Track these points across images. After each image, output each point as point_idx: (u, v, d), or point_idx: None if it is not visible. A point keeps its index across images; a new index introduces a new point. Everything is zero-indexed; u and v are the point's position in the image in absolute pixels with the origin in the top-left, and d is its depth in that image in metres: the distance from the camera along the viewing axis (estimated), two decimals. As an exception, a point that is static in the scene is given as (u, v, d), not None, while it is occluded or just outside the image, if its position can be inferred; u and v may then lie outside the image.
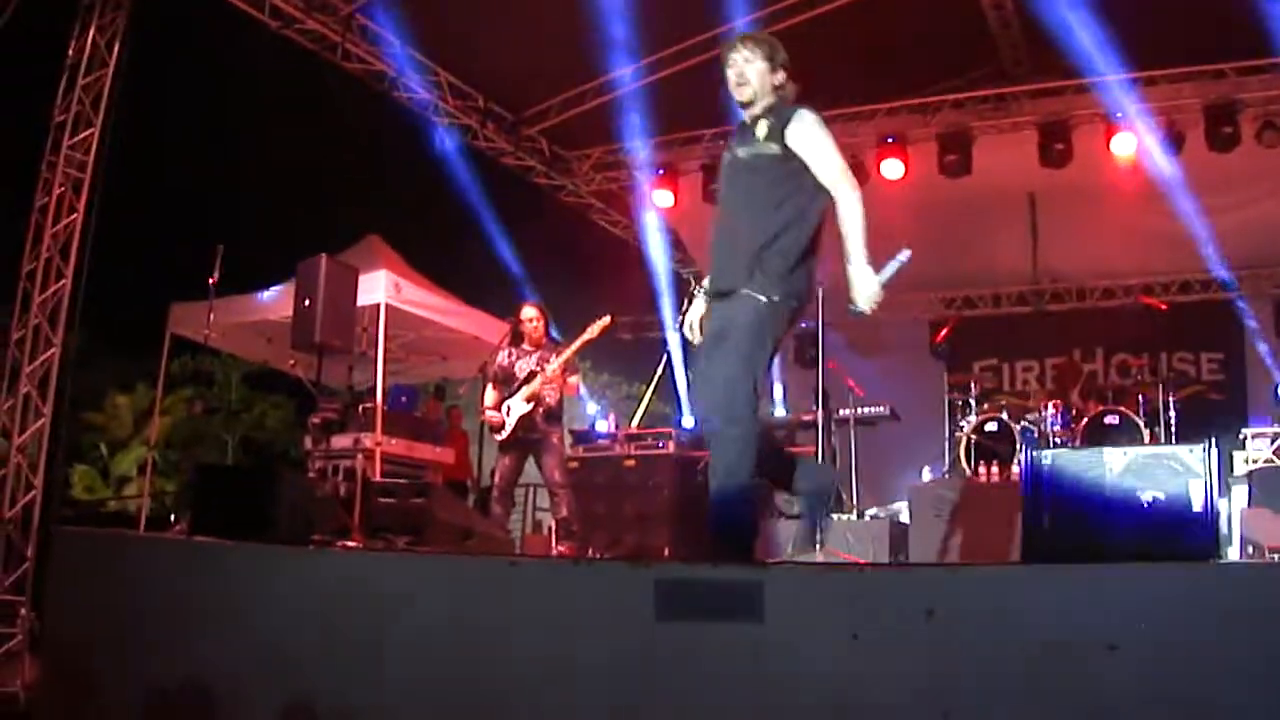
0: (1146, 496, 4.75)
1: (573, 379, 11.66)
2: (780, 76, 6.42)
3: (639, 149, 17.28)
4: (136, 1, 12.64)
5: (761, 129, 6.32)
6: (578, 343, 11.17)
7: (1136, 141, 15.21)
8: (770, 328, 6.18)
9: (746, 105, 6.44)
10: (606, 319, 10.91)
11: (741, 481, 6.04)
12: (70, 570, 7.68)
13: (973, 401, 13.86)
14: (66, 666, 6.98)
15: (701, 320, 6.77)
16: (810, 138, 6.24)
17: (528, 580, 5.31)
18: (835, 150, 6.33)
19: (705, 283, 6.76)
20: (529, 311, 11.67)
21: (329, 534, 9.21)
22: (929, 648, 4.48)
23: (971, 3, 15.00)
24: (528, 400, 11.19)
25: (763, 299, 6.08)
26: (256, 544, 6.41)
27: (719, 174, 6.79)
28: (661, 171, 17.39)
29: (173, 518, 16.64)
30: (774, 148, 6.23)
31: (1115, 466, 4.86)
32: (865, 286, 6.05)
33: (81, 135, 12.39)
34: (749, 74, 6.37)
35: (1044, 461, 5.03)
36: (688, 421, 15.38)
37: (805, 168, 6.23)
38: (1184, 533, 4.66)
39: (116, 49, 12.53)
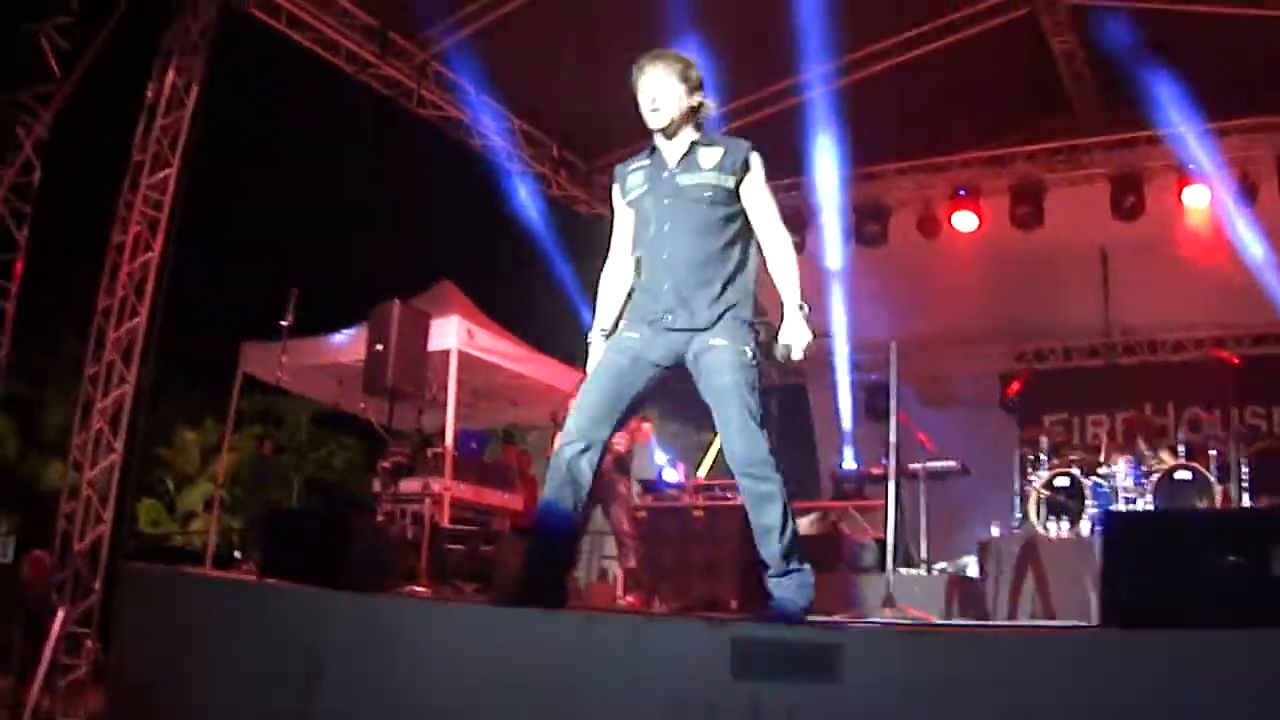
0: (1228, 559, 4.68)
1: (645, 425, 11.63)
2: (697, 98, 6.14)
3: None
4: (214, 45, 12.76)
5: (709, 159, 6.08)
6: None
7: (1210, 193, 15.12)
8: (755, 379, 5.98)
9: (665, 130, 6.11)
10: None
11: (790, 530, 5.86)
12: (137, 605, 7.72)
13: (1043, 456, 13.71)
14: (129, 699, 7.03)
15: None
16: (763, 180, 6.13)
17: (602, 635, 5.28)
18: None
19: (603, 322, 6.44)
20: None
21: (398, 579, 9.24)
22: (1008, 713, 4.42)
23: (1044, 53, 14.98)
24: (596, 445, 11.10)
25: (746, 351, 5.95)
26: (327, 589, 6.41)
27: (638, 196, 6.27)
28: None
29: (238, 555, 16.71)
30: (727, 182, 6.04)
31: (1196, 528, 4.80)
32: (804, 332, 5.95)
33: (159, 175, 12.50)
34: (662, 97, 6.04)
35: (1123, 522, 4.97)
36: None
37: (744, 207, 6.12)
38: (1266, 596, 4.59)
39: (194, 91, 12.64)
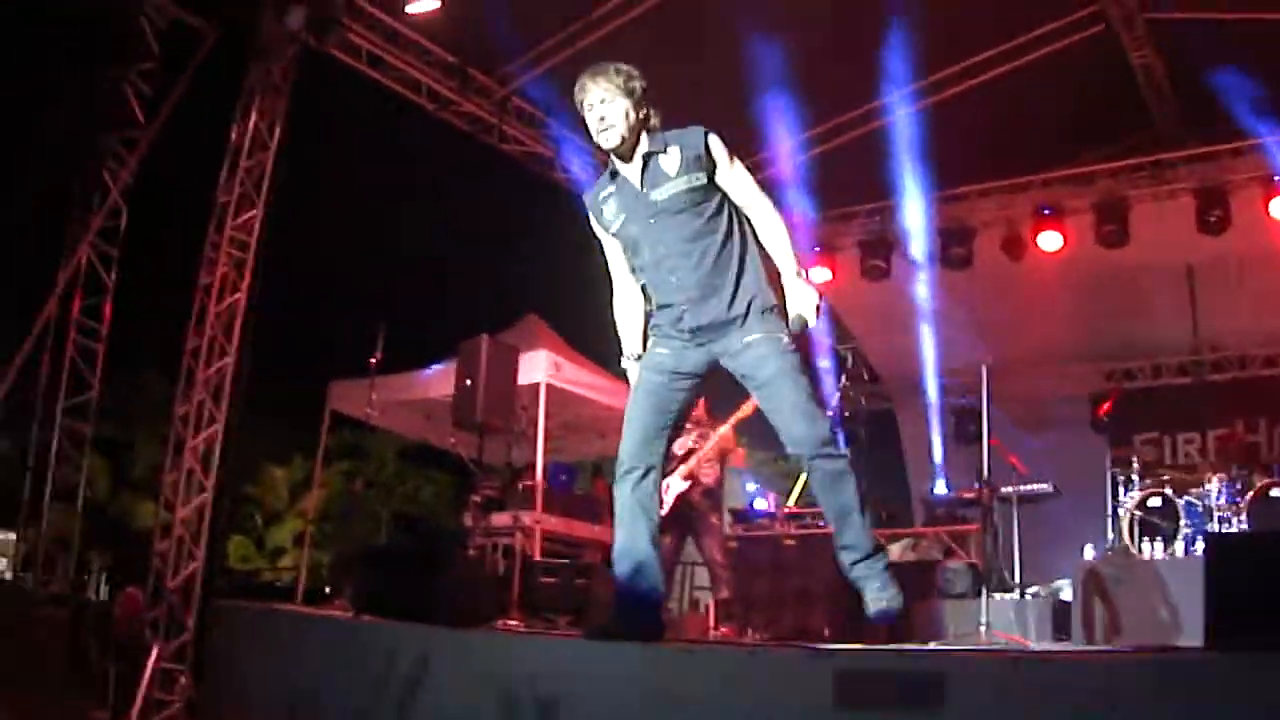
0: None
1: (739, 449, 11.58)
2: (644, 110, 5.99)
3: (797, 225, 17.25)
4: (297, 86, 12.87)
5: (670, 164, 5.93)
6: (733, 419, 11.00)
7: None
8: (800, 362, 5.91)
9: (618, 150, 5.99)
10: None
11: (866, 511, 5.86)
12: (230, 642, 7.77)
13: (1135, 476, 13.55)
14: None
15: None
16: (729, 159, 5.99)
17: (703, 668, 5.24)
18: None
19: (631, 349, 6.37)
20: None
21: (491, 613, 9.25)
22: (1114, 741, 4.35)
23: (1124, 69, 14.87)
24: (685, 479, 11.07)
25: (782, 338, 5.85)
26: (421, 625, 6.42)
27: (620, 226, 6.16)
28: (819, 249, 17.34)
29: (327, 590, 16.79)
30: (698, 180, 5.90)
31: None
32: (809, 297, 5.79)
33: (244, 217, 12.58)
34: (610, 115, 5.92)
35: (1224, 544, 4.89)
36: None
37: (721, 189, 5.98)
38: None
39: (277, 132, 12.73)
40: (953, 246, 16.93)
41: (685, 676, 5.21)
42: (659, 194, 5.93)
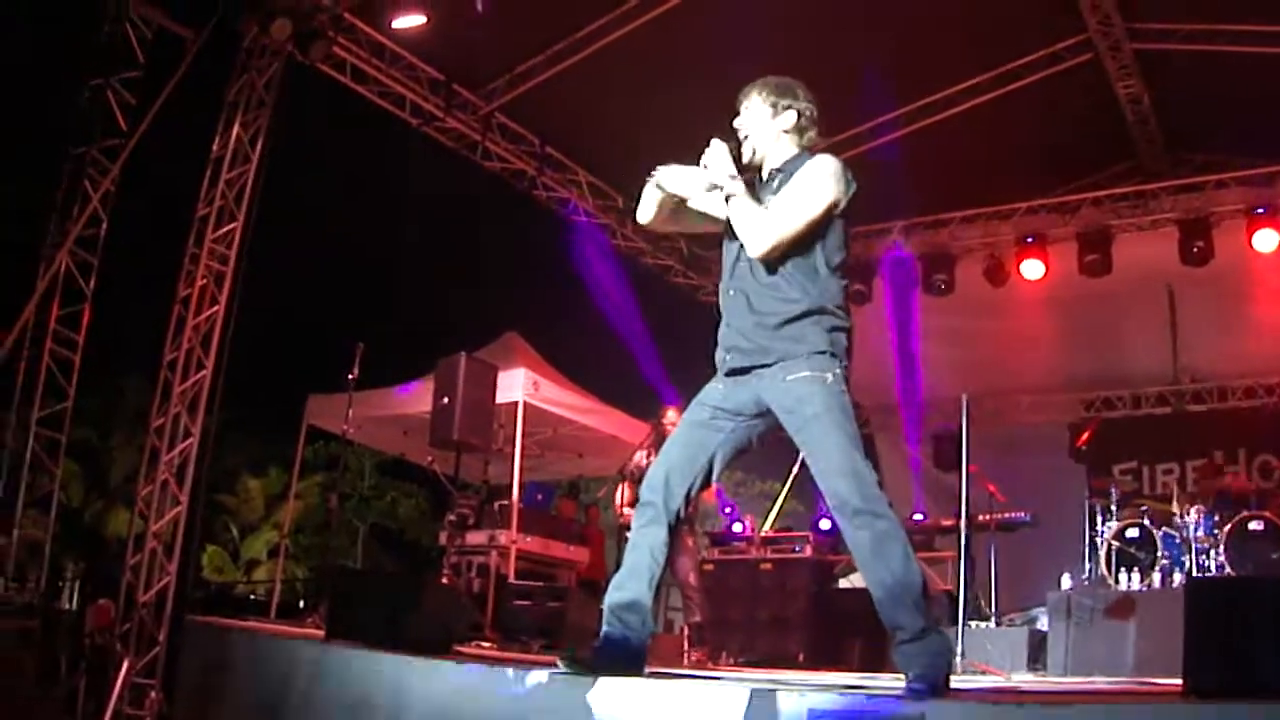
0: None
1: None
2: (793, 126, 5.69)
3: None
4: (281, 99, 12.79)
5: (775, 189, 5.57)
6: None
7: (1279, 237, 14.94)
8: (846, 406, 5.29)
9: (753, 161, 5.73)
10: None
11: (918, 581, 5.08)
12: (201, 659, 7.69)
13: (1114, 506, 13.50)
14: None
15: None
16: (814, 181, 5.48)
17: (673, 700, 5.15)
18: None
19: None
20: (671, 415, 11.51)
21: (464, 633, 9.19)
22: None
23: (1110, 98, 14.88)
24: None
25: (829, 377, 5.27)
26: (396, 652, 6.35)
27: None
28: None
29: (302, 604, 16.70)
30: None
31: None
32: (723, 159, 5.47)
33: (224, 229, 12.49)
34: (745, 125, 5.72)
35: (1208, 589, 4.81)
36: (825, 523, 15.25)
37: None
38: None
39: (260, 145, 12.66)
40: (935, 273, 16.92)
41: (656, 708, 5.09)
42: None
